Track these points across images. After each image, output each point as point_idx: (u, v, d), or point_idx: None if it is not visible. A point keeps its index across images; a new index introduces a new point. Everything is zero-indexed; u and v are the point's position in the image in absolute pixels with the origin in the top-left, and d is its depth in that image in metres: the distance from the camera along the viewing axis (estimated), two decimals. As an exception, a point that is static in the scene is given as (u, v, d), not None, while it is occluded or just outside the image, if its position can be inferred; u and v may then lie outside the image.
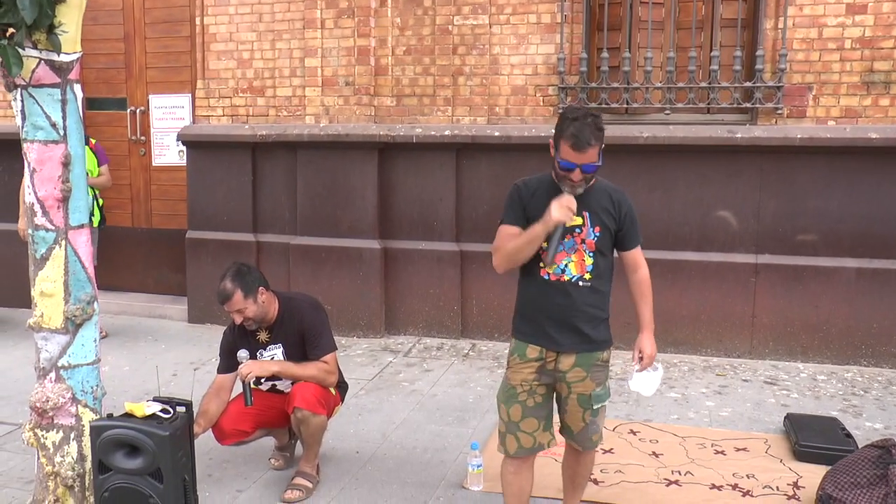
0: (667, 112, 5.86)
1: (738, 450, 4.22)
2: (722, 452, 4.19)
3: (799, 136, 5.60)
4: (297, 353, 3.85)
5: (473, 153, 6.18)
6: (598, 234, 2.98)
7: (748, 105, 5.71)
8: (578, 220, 2.93)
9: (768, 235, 5.77)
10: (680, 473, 3.95)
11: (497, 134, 6.04)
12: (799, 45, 5.67)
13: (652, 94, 5.89)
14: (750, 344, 5.81)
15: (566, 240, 2.94)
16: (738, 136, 5.66)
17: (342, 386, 4.07)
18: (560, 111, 5.85)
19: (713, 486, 3.82)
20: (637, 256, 3.13)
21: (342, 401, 4.09)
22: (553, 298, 2.98)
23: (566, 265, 2.97)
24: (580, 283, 2.97)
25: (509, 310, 6.06)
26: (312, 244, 6.50)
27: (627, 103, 5.90)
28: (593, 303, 3.00)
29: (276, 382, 3.93)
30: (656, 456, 4.15)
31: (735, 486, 3.81)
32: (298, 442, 4.02)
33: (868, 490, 3.40)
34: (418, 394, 5.16)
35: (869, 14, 5.55)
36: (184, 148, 6.94)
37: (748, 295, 5.80)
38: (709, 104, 5.80)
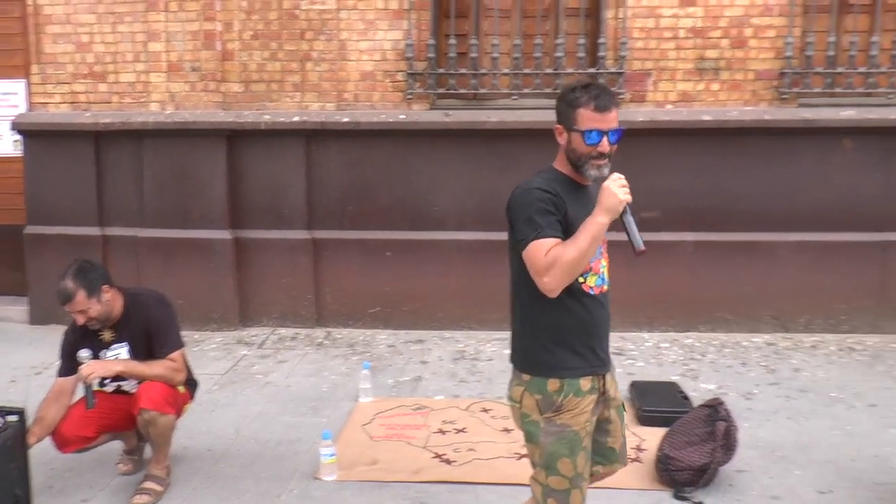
0: (514, 97, 6.13)
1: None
2: (568, 424, 4.50)
3: (640, 119, 6.00)
4: (144, 351, 3.79)
5: (323, 139, 6.24)
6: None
7: (592, 90, 6.05)
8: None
9: (612, 214, 6.15)
10: (528, 447, 4.22)
11: (346, 120, 6.13)
12: (638, 34, 6.07)
13: (499, 80, 6.13)
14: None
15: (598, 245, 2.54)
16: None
17: (191, 383, 4.05)
18: (408, 97, 6.04)
19: (559, 457, 4.10)
20: None
21: (192, 398, 4.08)
22: (601, 314, 2.63)
23: (602, 274, 2.62)
24: (609, 293, 2.69)
25: (364, 295, 6.33)
26: (162, 236, 6.39)
27: (476, 89, 6.12)
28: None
29: (122, 383, 3.86)
30: (508, 431, 4.37)
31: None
32: (148, 444, 3.97)
33: (699, 446, 3.75)
34: (273, 385, 5.21)
35: (699, 6, 6.03)
36: (19, 137, 6.63)
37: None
38: (555, 90, 6.09)
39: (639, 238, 2.45)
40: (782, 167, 6.14)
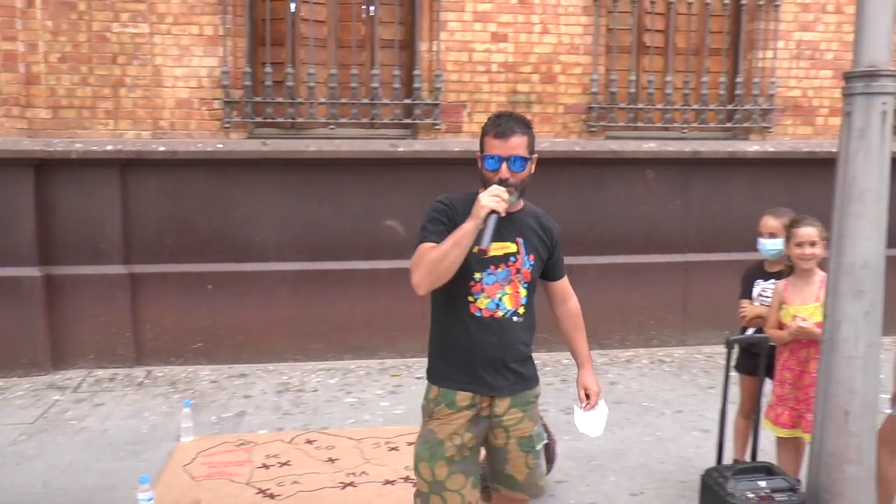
0: (331, 127, 6.19)
1: (411, 444, 4.56)
2: (396, 448, 4.54)
3: (456, 149, 6.22)
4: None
5: (139, 169, 6.02)
6: (532, 262, 2.71)
7: (409, 121, 6.24)
8: (512, 248, 2.67)
9: (434, 241, 6.31)
10: (355, 475, 4.22)
11: (163, 149, 5.95)
12: (452, 67, 6.30)
13: (316, 109, 6.17)
14: (422, 343, 6.29)
15: (500, 269, 2.65)
16: (401, 149, 6.15)
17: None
18: (225, 125, 5.98)
19: (387, 482, 4.13)
20: (567, 286, 2.93)
21: (-10, 450, 3.80)
22: (486, 338, 2.66)
23: (500, 299, 2.66)
24: (514, 319, 2.68)
25: (185, 330, 6.14)
26: (-40, 276, 5.90)
27: (293, 118, 6.13)
28: (525, 339, 2.74)
29: None
30: (332, 461, 4.38)
31: (407, 479, 4.15)
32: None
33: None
34: (88, 431, 4.92)
35: (510, 42, 6.35)
36: None
37: (417, 297, 6.29)
38: (372, 120, 6.22)
39: (485, 239, 2.45)
40: (592, 195, 6.57)
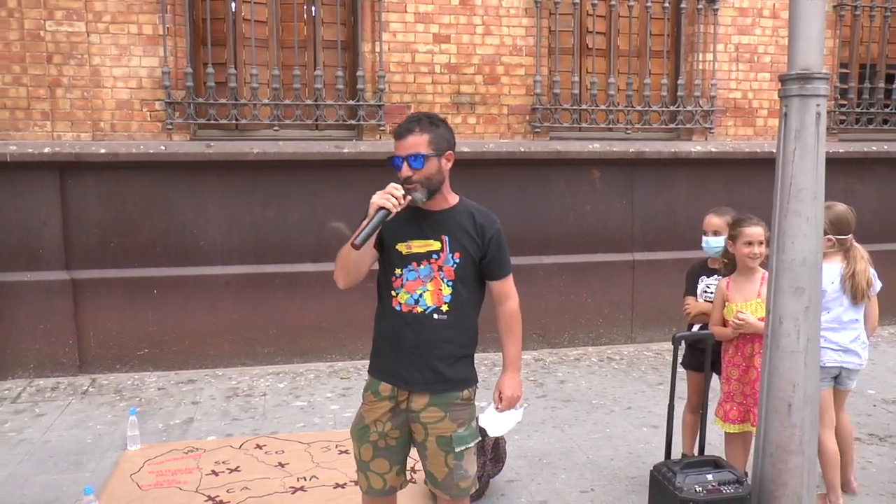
0: (276, 128, 6.13)
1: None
2: (346, 452, 4.50)
3: (401, 150, 6.20)
4: None
5: (79, 172, 5.87)
6: (457, 260, 2.72)
7: (353, 122, 6.22)
8: (436, 245, 2.71)
9: (382, 242, 6.28)
10: (305, 479, 4.18)
11: (103, 151, 5.81)
12: (396, 68, 6.30)
13: (260, 110, 6.11)
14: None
15: (422, 266, 2.71)
16: (346, 150, 6.13)
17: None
18: (168, 127, 5.89)
19: (337, 486, 4.10)
20: (505, 287, 2.86)
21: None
22: (404, 332, 2.74)
23: (420, 295, 2.71)
24: (435, 316, 2.71)
25: (130, 336, 6.04)
26: None
27: (236, 119, 6.05)
28: (450, 338, 2.74)
29: None
30: (282, 466, 4.33)
31: (356, 482, 4.15)
32: None
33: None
34: (28, 443, 4.77)
35: (452, 44, 6.38)
36: None
37: (365, 299, 6.28)
38: (316, 121, 6.17)
39: (362, 235, 2.54)
40: (537, 195, 6.63)
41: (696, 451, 3.98)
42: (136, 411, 4.77)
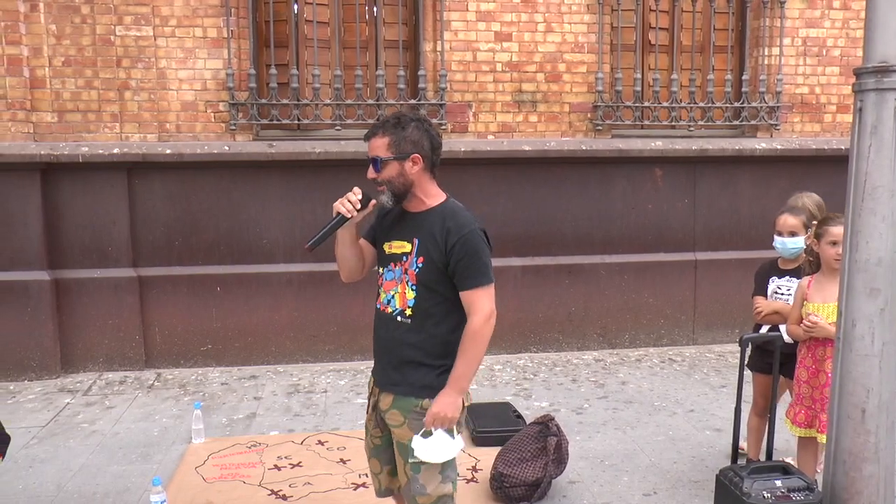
0: (337, 128, 6.19)
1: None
2: (406, 451, 4.55)
3: (463, 149, 6.22)
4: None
5: (146, 172, 6.03)
6: (420, 265, 2.66)
7: (415, 121, 6.22)
8: (407, 247, 2.70)
9: (442, 241, 6.29)
10: (366, 476, 4.22)
11: (169, 152, 5.95)
12: (457, 67, 6.30)
13: (322, 110, 6.18)
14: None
15: (396, 267, 2.71)
16: (407, 150, 6.13)
17: (1, 438, 3.78)
18: (231, 127, 6.00)
19: (398, 485, 4.14)
20: (470, 299, 2.64)
21: (3, 456, 3.76)
22: (379, 331, 2.79)
23: (392, 296, 2.72)
24: (399, 319, 2.70)
25: (194, 332, 6.16)
26: (-32, 281, 5.90)
27: (298, 119, 6.13)
28: (414, 343, 2.68)
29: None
30: (344, 462, 4.38)
31: (417, 481, 4.17)
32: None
33: (532, 462, 3.91)
34: (99, 434, 4.93)
35: (514, 41, 6.35)
36: None
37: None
38: (377, 121, 6.18)
39: (316, 238, 2.69)
40: (599, 194, 6.57)
41: (761, 457, 3.89)
42: (201, 406, 4.87)
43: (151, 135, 6.06)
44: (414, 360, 2.69)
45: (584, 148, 6.41)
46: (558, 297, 6.52)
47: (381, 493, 2.98)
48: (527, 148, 6.33)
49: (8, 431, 3.85)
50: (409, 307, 2.68)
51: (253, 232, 6.18)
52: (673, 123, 6.63)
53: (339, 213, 2.68)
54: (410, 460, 2.67)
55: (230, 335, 6.22)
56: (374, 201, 2.71)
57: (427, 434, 2.63)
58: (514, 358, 6.40)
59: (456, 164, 6.23)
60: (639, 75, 6.52)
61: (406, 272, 2.68)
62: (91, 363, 6.13)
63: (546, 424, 4.10)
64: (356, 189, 2.70)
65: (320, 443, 4.67)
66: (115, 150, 5.93)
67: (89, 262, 6.07)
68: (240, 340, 6.24)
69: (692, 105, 6.61)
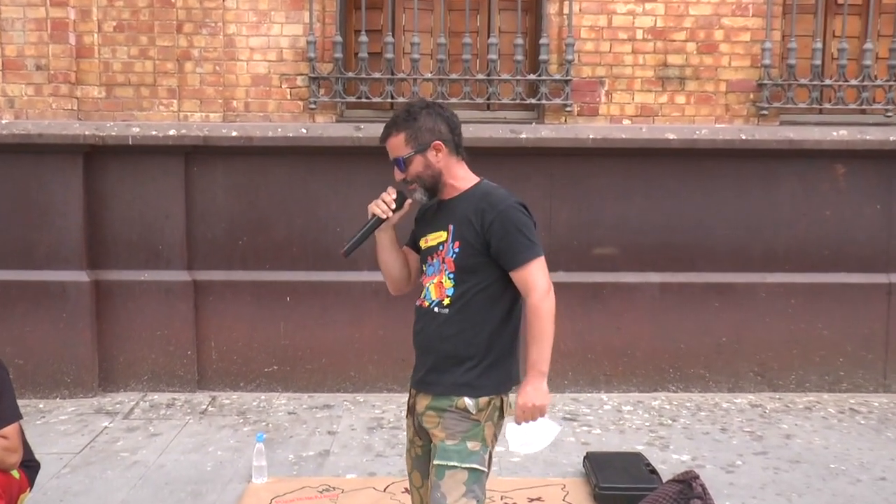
0: (440, 109, 6.19)
1: (532, 500, 4.51)
2: (511, 500, 4.46)
3: (591, 136, 6.13)
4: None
5: (207, 158, 6.17)
6: (457, 250, 2.94)
7: (533, 101, 6.19)
8: (444, 236, 2.99)
9: (561, 248, 6.23)
10: (462, 535, 4.16)
11: (235, 134, 6.08)
12: (587, 34, 6.23)
13: (421, 86, 6.19)
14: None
15: (435, 259, 3.01)
16: (523, 136, 6.11)
17: (31, 466, 3.89)
18: (311, 106, 6.07)
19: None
20: (522, 277, 2.91)
21: (31, 486, 3.90)
22: (417, 327, 3.08)
23: (429, 288, 3.03)
24: (437, 310, 2.97)
25: (256, 351, 6.22)
26: (-3, 278, 6.17)
27: (392, 97, 6.15)
28: (452, 335, 2.94)
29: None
30: (435, 517, 4.33)
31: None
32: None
33: (671, 531, 3.80)
34: (142, 465, 5.04)
35: (659, 2, 6.23)
36: None
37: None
38: (488, 99, 6.19)
39: (352, 242, 3.12)
40: (760, 196, 6.38)
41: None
42: (264, 438, 4.91)
43: (215, 114, 6.20)
44: (454, 356, 2.95)
45: (743, 137, 6.24)
46: (705, 323, 6.34)
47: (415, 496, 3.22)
48: (671, 136, 6.18)
49: (37, 457, 3.97)
50: (447, 296, 2.95)
51: (333, 232, 6.23)
52: (863, 107, 6.36)
53: (374, 215, 3.06)
54: (438, 462, 2.90)
55: (301, 355, 6.29)
56: (409, 200, 3.08)
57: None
58: (648, 398, 6.25)
59: (580, 155, 6.17)
60: (820, 45, 6.28)
61: (444, 261, 2.97)
62: (134, 381, 6.30)
63: (689, 483, 4.00)
64: (390, 188, 3.06)
65: (407, 491, 4.63)
66: (172, 132, 6.10)
67: (136, 263, 6.25)
68: (312, 362, 6.30)
69: (891, 83, 6.33)
